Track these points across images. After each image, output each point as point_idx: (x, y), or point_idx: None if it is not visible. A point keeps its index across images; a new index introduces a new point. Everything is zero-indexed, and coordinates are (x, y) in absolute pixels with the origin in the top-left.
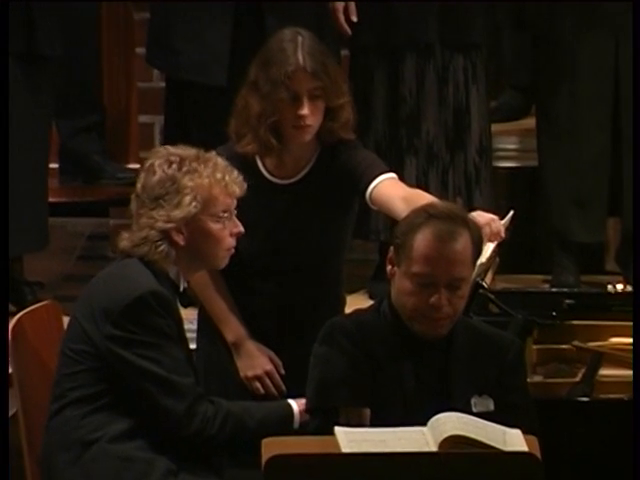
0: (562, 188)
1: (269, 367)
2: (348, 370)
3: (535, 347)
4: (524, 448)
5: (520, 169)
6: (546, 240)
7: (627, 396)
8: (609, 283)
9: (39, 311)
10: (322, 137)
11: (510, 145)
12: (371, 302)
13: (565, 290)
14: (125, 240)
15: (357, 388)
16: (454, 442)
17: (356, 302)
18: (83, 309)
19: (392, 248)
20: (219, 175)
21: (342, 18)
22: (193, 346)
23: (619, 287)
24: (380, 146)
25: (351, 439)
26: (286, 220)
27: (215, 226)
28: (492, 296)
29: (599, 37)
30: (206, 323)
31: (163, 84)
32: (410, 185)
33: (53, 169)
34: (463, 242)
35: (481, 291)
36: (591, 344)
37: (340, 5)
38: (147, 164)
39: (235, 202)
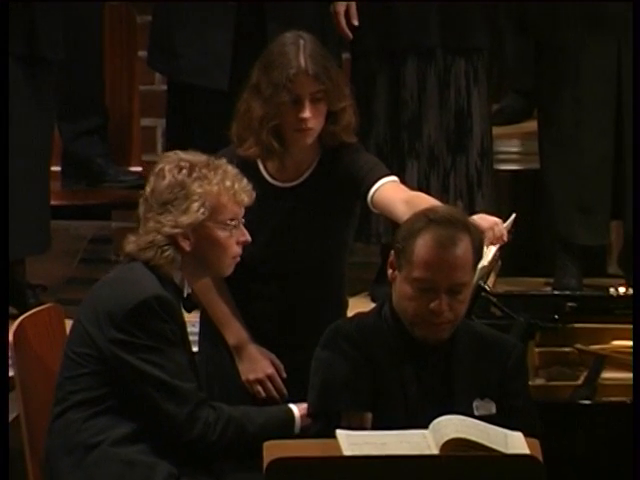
0: (565, 192)
1: (270, 370)
2: (350, 374)
3: (537, 350)
4: (526, 451)
5: (522, 172)
6: (548, 243)
7: (629, 399)
8: (611, 286)
9: (41, 314)
10: (324, 140)
11: (512, 148)
12: (373, 305)
13: (567, 293)
14: (131, 243)
15: (359, 392)
16: (456, 445)
17: (358, 305)
18: (87, 312)
19: (393, 252)
20: (228, 183)
21: (344, 22)
22: (195, 349)
23: (621, 290)
24: (382, 149)
25: (352, 442)
26: (288, 223)
27: (222, 234)
28: (494, 299)
29: (602, 42)
30: (208, 326)
31: (165, 87)
32: (412, 188)
33: (55, 172)
34: (463, 247)
35: (483, 294)
36: (593, 347)
37: (342, 9)
38: (157, 168)
39: (243, 210)
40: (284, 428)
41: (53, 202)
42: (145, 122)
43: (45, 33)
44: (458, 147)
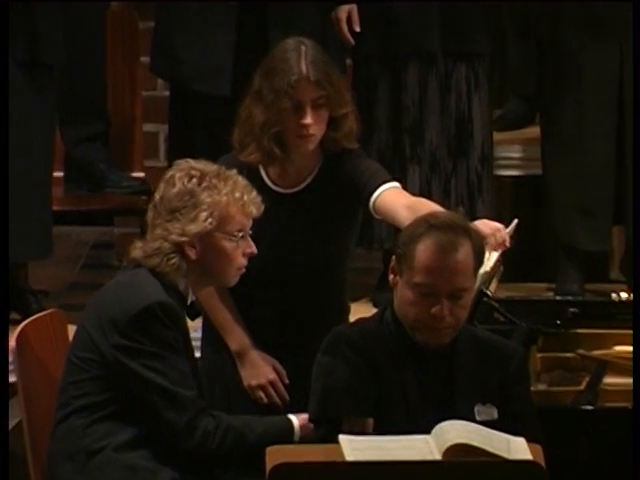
0: (567, 197)
1: (273, 376)
2: (351, 380)
3: (539, 355)
4: (528, 456)
5: (524, 178)
6: (550, 248)
7: (631, 405)
8: (613, 292)
9: (44, 320)
10: (325, 146)
11: (514, 154)
12: (375, 310)
13: (569, 298)
14: (138, 249)
15: (360, 398)
16: (458, 450)
17: (360, 310)
18: (91, 317)
19: (394, 258)
20: (238, 194)
21: (345, 28)
22: (197, 355)
23: (623, 296)
24: (383, 155)
25: (355, 447)
26: (290, 229)
27: (228, 244)
28: (496, 305)
29: (604, 45)
30: (210, 332)
31: (168, 93)
32: (413, 194)
33: (58, 178)
34: (464, 252)
35: (485, 300)
36: (595, 352)
37: (343, 15)
38: (168, 175)
39: (251, 222)
40: (283, 438)
41: (55, 208)
42: (147, 128)
43: (45, 38)
44: (459, 152)
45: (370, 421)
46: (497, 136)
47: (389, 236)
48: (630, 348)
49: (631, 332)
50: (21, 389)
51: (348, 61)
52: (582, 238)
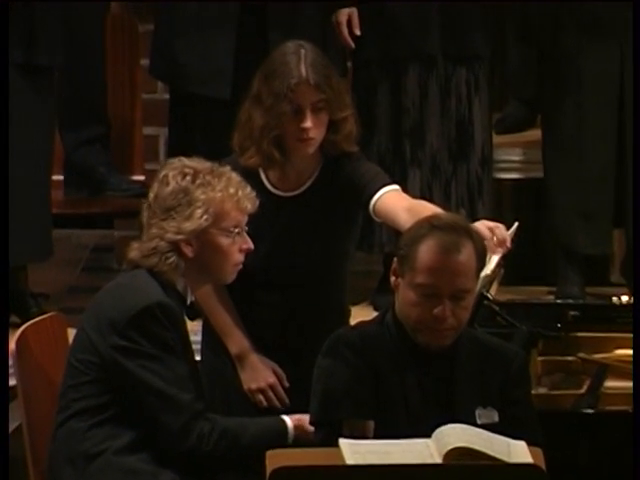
0: (567, 200)
1: (272, 380)
2: (352, 382)
3: (540, 359)
4: (529, 460)
5: (525, 181)
6: (551, 252)
7: (632, 408)
8: (614, 295)
9: (43, 323)
10: (325, 150)
11: (514, 157)
12: (375, 313)
13: (570, 302)
14: (135, 250)
15: (361, 400)
16: (459, 454)
17: (360, 313)
18: (90, 319)
19: (396, 259)
20: (232, 190)
21: (346, 32)
22: (197, 358)
23: (624, 299)
24: (384, 159)
25: (355, 451)
26: (290, 232)
27: (225, 241)
28: (497, 308)
29: (604, 47)
30: (210, 335)
31: (167, 96)
32: (414, 197)
33: (58, 181)
34: (467, 253)
35: (486, 302)
36: (596, 356)
37: (344, 18)
38: (161, 174)
39: (246, 218)
40: (277, 439)
41: (55, 211)
42: (147, 131)
43: (43, 39)
44: (459, 155)
45: (371, 424)
46: (497, 139)
47: (390, 240)
48: (630, 351)
49: (632, 335)
50: (21, 393)
51: (348, 64)
52: (582, 241)
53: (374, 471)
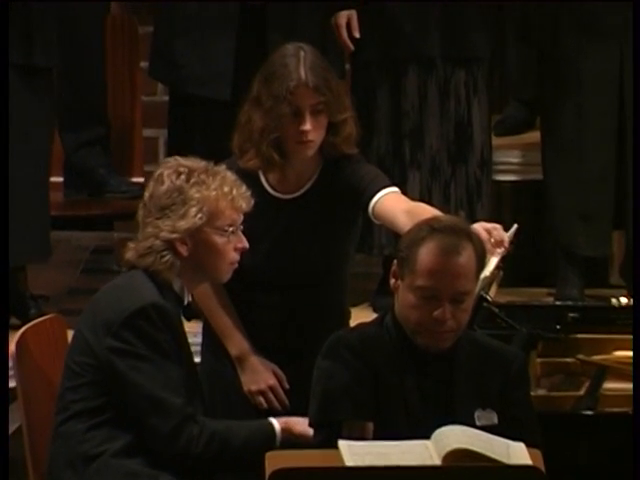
0: (567, 201)
1: (272, 382)
2: (351, 384)
3: (539, 360)
4: (528, 462)
5: (524, 183)
6: (550, 253)
7: (631, 410)
8: (613, 297)
9: (43, 325)
10: (325, 152)
11: (513, 159)
12: (375, 315)
13: (569, 304)
14: (131, 250)
15: (360, 402)
16: (458, 456)
17: (360, 315)
18: (87, 321)
19: (396, 261)
20: (226, 189)
21: (345, 34)
22: (197, 360)
23: (623, 301)
24: (383, 161)
25: (355, 452)
26: (289, 235)
27: (219, 240)
28: (496, 310)
29: (603, 49)
30: (210, 337)
31: (167, 98)
32: (414, 199)
33: (58, 183)
34: (467, 256)
35: (485, 304)
36: (595, 358)
37: (343, 21)
38: (156, 173)
39: (241, 217)
40: (266, 441)
41: (55, 212)
42: (147, 133)
43: (41, 41)
44: (458, 157)
45: (370, 425)
46: (496, 141)
47: (389, 242)
48: (630, 353)
49: (631, 337)
50: (21, 394)
51: (347, 66)
52: (582, 243)
53: (373, 473)
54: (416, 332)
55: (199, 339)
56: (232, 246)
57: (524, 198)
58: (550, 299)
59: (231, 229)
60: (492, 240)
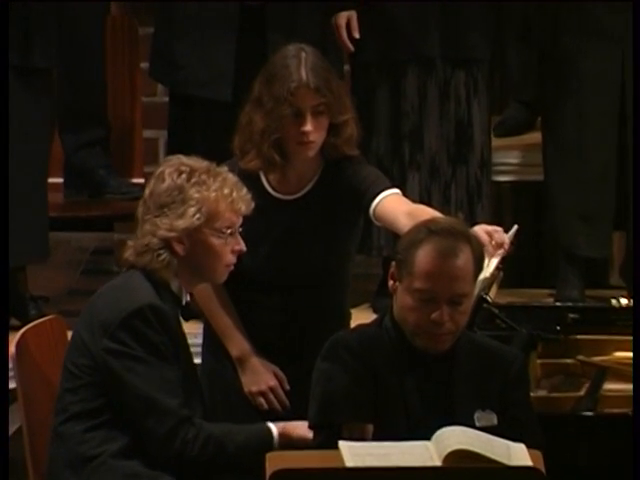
0: (568, 202)
1: (273, 383)
2: (351, 386)
3: (539, 361)
4: (528, 463)
5: (524, 184)
6: (550, 254)
7: (631, 411)
8: (613, 298)
9: (43, 326)
10: (326, 153)
11: (513, 160)
12: (375, 316)
13: (570, 304)
14: (130, 249)
15: (360, 404)
16: (458, 457)
17: (360, 316)
18: (85, 322)
19: (394, 263)
20: (227, 190)
21: (345, 35)
22: (198, 360)
23: (623, 302)
24: (382, 162)
25: (355, 453)
26: (290, 236)
27: (216, 241)
28: (496, 311)
29: (605, 50)
30: (211, 338)
31: (167, 99)
32: (413, 200)
33: (57, 184)
34: (464, 258)
35: (485, 306)
36: (595, 358)
37: (343, 21)
38: (158, 171)
39: (240, 219)
40: (263, 446)
41: (55, 213)
42: (147, 134)
43: (39, 42)
44: (458, 158)
45: (370, 427)
46: (495, 142)
47: (387, 243)
48: (630, 354)
49: (631, 338)
50: (21, 395)
51: (346, 67)
52: (582, 244)
53: (374, 473)
54: (414, 334)
55: (199, 340)
56: (229, 248)
57: (524, 199)
58: (550, 300)
59: (229, 231)
60: (493, 242)
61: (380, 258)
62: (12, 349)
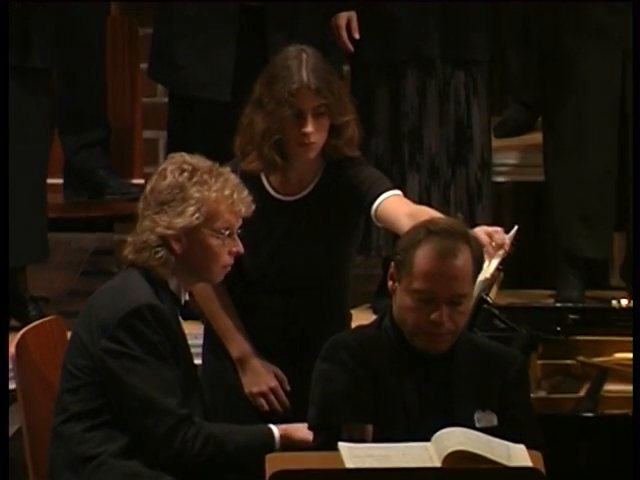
0: (568, 203)
1: (274, 384)
2: (350, 387)
3: (539, 362)
4: (528, 464)
5: (524, 184)
6: (551, 255)
7: (631, 412)
8: (613, 298)
9: (43, 326)
10: (327, 154)
11: (513, 160)
12: (375, 317)
13: (570, 305)
14: (129, 245)
15: (359, 405)
16: (458, 457)
17: (359, 317)
18: (83, 322)
19: (393, 264)
20: (227, 192)
21: (345, 35)
22: (198, 361)
23: (623, 302)
24: (382, 162)
25: (355, 454)
26: (291, 237)
27: (214, 242)
28: (496, 311)
29: (605, 52)
30: (212, 339)
31: (167, 99)
32: (413, 201)
33: (57, 184)
34: (464, 258)
35: (485, 306)
36: (595, 359)
37: (343, 22)
38: (160, 167)
39: (240, 221)
40: (263, 447)
41: (55, 214)
42: (147, 134)
43: (38, 43)
44: (458, 159)
45: (369, 428)
46: (495, 142)
47: (387, 243)
48: (630, 355)
49: (631, 339)
50: (21, 396)
51: (345, 67)
52: (583, 245)
53: (374, 474)
54: (414, 334)
55: (200, 341)
56: (227, 249)
57: (524, 200)
58: (550, 301)
59: (227, 232)
60: (493, 244)
61: (379, 259)
62: (12, 350)
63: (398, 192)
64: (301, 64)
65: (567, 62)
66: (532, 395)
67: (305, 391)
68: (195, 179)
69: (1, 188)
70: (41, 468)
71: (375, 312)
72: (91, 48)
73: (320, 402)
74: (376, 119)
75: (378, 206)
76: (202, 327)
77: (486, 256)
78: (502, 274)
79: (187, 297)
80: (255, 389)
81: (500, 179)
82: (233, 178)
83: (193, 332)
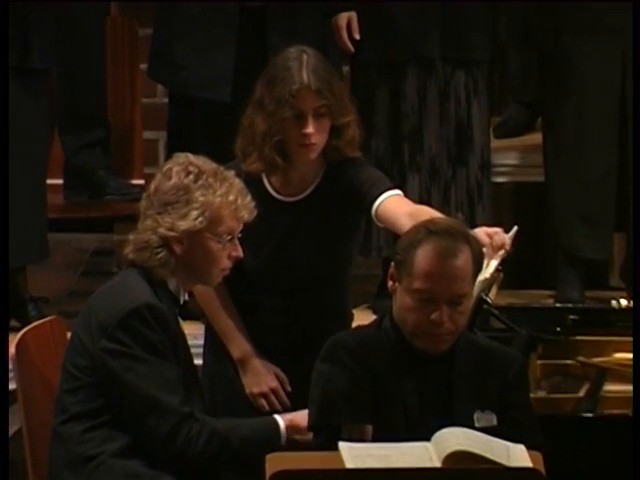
0: (568, 204)
1: (274, 384)
2: (350, 387)
3: (539, 362)
4: (528, 464)
5: (524, 184)
6: (550, 255)
7: (631, 412)
8: (613, 299)
9: (43, 327)
10: (328, 155)
11: (512, 161)
12: (374, 317)
13: (569, 306)
14: (130, 244)
15: (359, 405)
16: (458, 458)
17: (360, 317)
18: (83, 323)
19: (393, 264)
20: (232, 197)
21: (345, 35)
22: (199, 361)
23: (623, 303)
24: (382, 163)
25: (355, 454)
26: (292, 237)
27: (215, 246)
28: (496, 312)
29: (605, 52)
30: (212, 339)
31: (167, 100)
32: (414, 201)
33: (57, 185)
34: (464, 258)
35: (485, 307)
36: (595, 360)
37: (343, 22)
38: (165, 167)
39: (241, 226)
40: (270, 439)
41: (55, 215)
42: (147, 135)
43: (37, 43)
44: (458, 159)
45: (369, 428)
46: (495, 143)
47: (387, 243)
48: (630, 355)
49: (631, 339)
50: (21, 396)
51: (345, 68)
52: (583, 245)
53: (374, 474)
54: (414, 334)
55: (200, 341)
56: (226, 253)
57: (524, 200)
58: (550, 301)
59: (229, 237)
60: (493, 244)
61: (380, 259)
62: (12, 350)
63: (399, 192)
64: (302, 65)
65: (567, 62)
66: (532, 395)
67: (306, 391)
68: (200, 182)
69: (1, 188)
70: (41, 468)
71: (375, 312)
72: (91, 48)
73: (320, 402)
74: (376, 119)
75: (378, 206)
76: (202, 327)
77: (486, 257)
78: (502, 274)
79: (186, 297)
80: (256, 389)
81: (500, 179)
82: (237, 183)
83: (193, 332)
